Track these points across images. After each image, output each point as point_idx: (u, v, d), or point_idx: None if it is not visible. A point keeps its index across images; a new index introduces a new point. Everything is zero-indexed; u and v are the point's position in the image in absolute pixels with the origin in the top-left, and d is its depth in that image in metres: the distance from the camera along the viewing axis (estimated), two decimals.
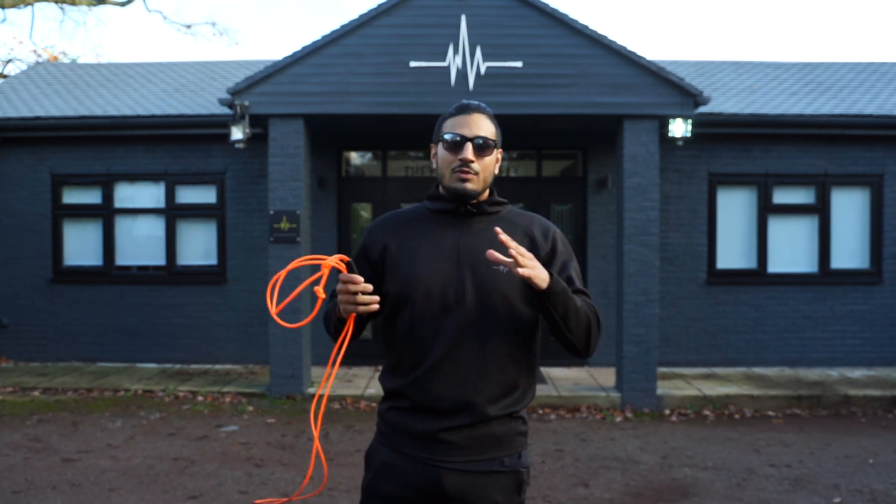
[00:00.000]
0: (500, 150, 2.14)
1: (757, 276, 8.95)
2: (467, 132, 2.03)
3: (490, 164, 2.07)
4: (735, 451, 5.83)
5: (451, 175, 2.03)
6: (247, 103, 7.31)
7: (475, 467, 1.95)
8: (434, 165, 2.12)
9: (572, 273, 2.07)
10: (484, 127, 2.05)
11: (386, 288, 2.05)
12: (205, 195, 9.10)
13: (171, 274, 9.08)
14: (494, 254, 1.82)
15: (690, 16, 45.58)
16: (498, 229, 1.84)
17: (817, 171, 8.95)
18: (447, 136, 2.04)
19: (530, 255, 1.84)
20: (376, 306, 1.87)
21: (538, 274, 1.83)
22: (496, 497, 1.96)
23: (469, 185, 2.02)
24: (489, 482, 1.96)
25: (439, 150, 2.08)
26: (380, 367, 8.34)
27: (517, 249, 1.80)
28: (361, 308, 1.85)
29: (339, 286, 1.85)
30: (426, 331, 1.97)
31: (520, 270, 1.78)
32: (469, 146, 2.02)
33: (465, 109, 2.06)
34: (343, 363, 8.96)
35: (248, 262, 9.02)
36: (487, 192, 2.12)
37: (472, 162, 2.01)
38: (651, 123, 7.44)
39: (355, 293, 1.84)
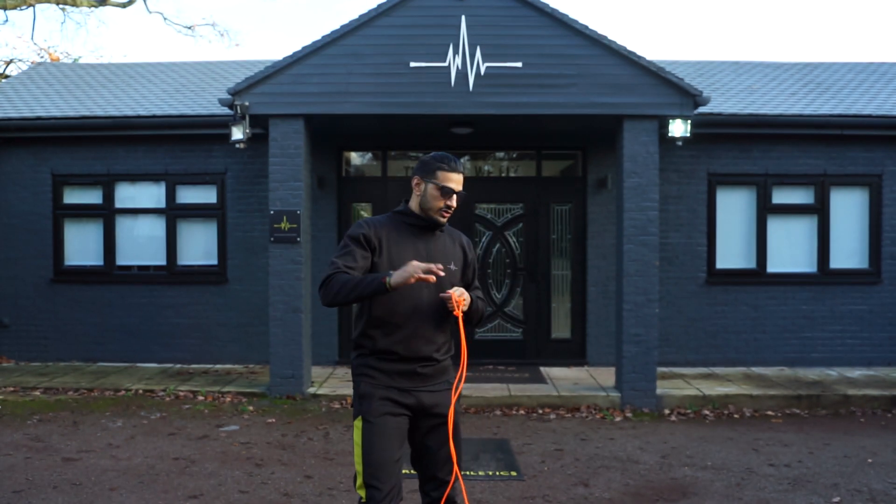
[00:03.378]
0: None
1: (756, 276, 8.96)
2: (456, 187, 2.98)
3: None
4: (734, 450, 5.84)
5: (438, 212, 2.97)
6: (247, 103, 7.32)
7: (437, 387, 3.01)
8: (417, 193, 2.99)
9: (475, 272, 3.17)
10: (462, 183, 3.02)
11: (379, 269, 2.91)
12: (205, 195, 9.11)
13: (172, 274, 9.09)
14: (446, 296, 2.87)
15: (690, 16, 45.59)
16: (443, 296, 2.86)
17: (816, 171, 8.96)
18: (444, 187, 2.94)
19: (462, 299, 2.86)
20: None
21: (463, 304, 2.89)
22: (448, 403, 2.98)
23: (445, 221, 3.02)
24: (445, 395, 3.01)
25: (430, 189, 2.96)
26: None
27: (457, 301, 2.83)
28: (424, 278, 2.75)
29: (419, 270, 2.71)
30: (407, 306, 2.90)
31: (456, 312, 2.85)
32: (455, 197, 2.99)
33: (456, 168, 2.97)
34: (344, 364, 8.98)
35: (248, 262, 9.03)
36: None
37: (453, 207, 3.00)
38: (651, 123, 7.45)
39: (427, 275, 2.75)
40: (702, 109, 8.08)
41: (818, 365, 8.89)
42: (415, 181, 2.98)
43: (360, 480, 2.89)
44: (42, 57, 21.07)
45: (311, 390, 7.62)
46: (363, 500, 2.87)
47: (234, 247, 9.06)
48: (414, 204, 3.01)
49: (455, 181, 2.94)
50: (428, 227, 2.98)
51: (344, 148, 9.24)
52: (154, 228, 9.18)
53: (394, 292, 2.78)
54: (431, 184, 2.94)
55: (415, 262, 2.74)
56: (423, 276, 2.70)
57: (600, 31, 8.02)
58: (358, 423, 2.92)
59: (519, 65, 7.34)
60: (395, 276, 2.72)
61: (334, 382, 8.01)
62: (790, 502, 4.68)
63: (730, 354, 8.94)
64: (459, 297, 2.82)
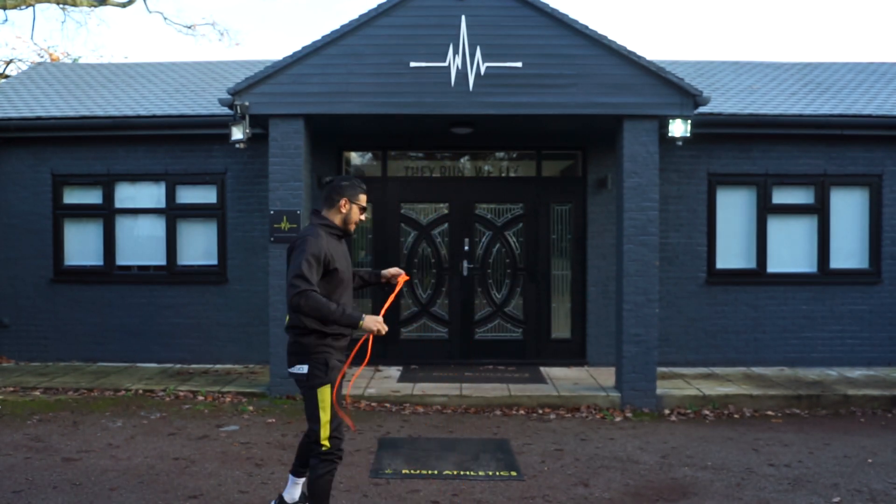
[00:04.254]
0: None
1: (756, 276, 8.96)
2: (366, 205, 3.98)
3: None
4: (734, 450, 5.84)
5: (355, 224, 3.96)
6: (247, 103, 7.32)
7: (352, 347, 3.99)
8: (344, 211, 3.89)
9: None
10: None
11: (330, 271, 3.76)
12: (205, 195, 9.11)
13: (172, 274, 9.09)
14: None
15: (690, 16, 45.58)
16: (396, 274, 4.21)
17: (816, 171, 8.96)
18: (363, 206, 3.95)
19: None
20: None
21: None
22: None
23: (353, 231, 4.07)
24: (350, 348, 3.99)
25: (354, 209, 3.91)
26: (380, 369, 8.40)
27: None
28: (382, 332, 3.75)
29: (381, 326, 3.68)
30: (348, 294, 3.92)
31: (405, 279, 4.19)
32: (363, 213, 4.01)
33: (366, 190, 3.97)
34: None
35: (248, 262, 9.03)
36: None
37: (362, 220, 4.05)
38: (651, 123, 7.45)
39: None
40: (702, 109, 8.08)
41: (818, 365, 8.89)
42: (342, 202, 3.86)
43: (326, 434, 3.72)
44: (42, 57, 21.07)
45: None
46: (327, 449, 3.73)
47: (234, 247, 9.06)
48: (338, 219, 3.89)
49: (365, 200, 3.97)
50: (344, 235, 3.95)
51: (344, 148, 9.24)
52: (154, 228, 9.18)
53: (343, 285, 3.83)
54: (355, 205, 3.91)
55: (379, 319, 3.67)
56: (382, 331, 3.69)
57: (600, 31, 8.02)
58: (326, 389, 3.74)
59: (519, 65, 7.34)
60: (367, 324, 3.65)
61: None
62: (790, 502, 4.69)
63: (730, 354, 8.94)
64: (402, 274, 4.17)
